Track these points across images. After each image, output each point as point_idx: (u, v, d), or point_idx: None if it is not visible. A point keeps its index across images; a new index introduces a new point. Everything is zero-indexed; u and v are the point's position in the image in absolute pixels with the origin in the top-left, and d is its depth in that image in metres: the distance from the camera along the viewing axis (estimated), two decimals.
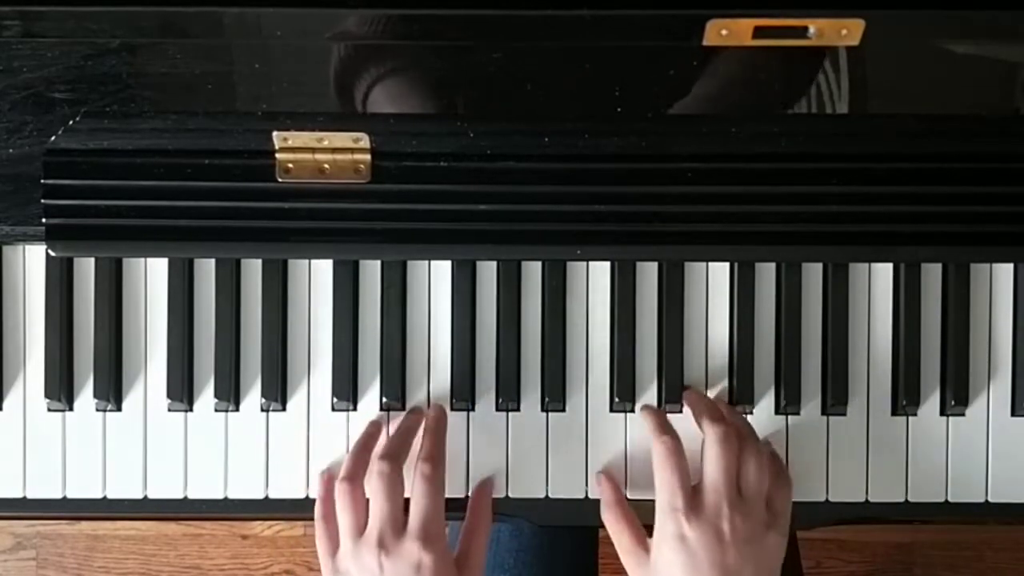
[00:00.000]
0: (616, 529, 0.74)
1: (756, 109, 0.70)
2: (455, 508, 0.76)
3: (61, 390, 0.77)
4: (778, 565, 0.72)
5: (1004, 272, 0.77)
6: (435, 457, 0.74)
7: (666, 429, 0.73)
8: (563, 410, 0.78)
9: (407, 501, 0.72)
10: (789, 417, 0.77)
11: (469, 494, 0.77)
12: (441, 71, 0.67)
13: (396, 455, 0.73)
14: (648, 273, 0.77)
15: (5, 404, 0.78)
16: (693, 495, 0.70)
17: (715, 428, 0.71)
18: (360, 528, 0.71)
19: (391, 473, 0.71)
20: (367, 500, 0.73)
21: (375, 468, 0.71)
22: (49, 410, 0.78)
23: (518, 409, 0.78)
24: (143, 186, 0.71)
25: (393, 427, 0.77)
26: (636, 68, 0.67)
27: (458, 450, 0.77)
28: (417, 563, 0.69)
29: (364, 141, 0.71)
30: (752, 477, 0.71)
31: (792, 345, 0.77)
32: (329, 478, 0.75)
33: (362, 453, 0.75)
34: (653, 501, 0.73)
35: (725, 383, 0.77)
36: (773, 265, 0.77)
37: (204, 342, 0.78)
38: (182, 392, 0.77)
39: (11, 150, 0.71)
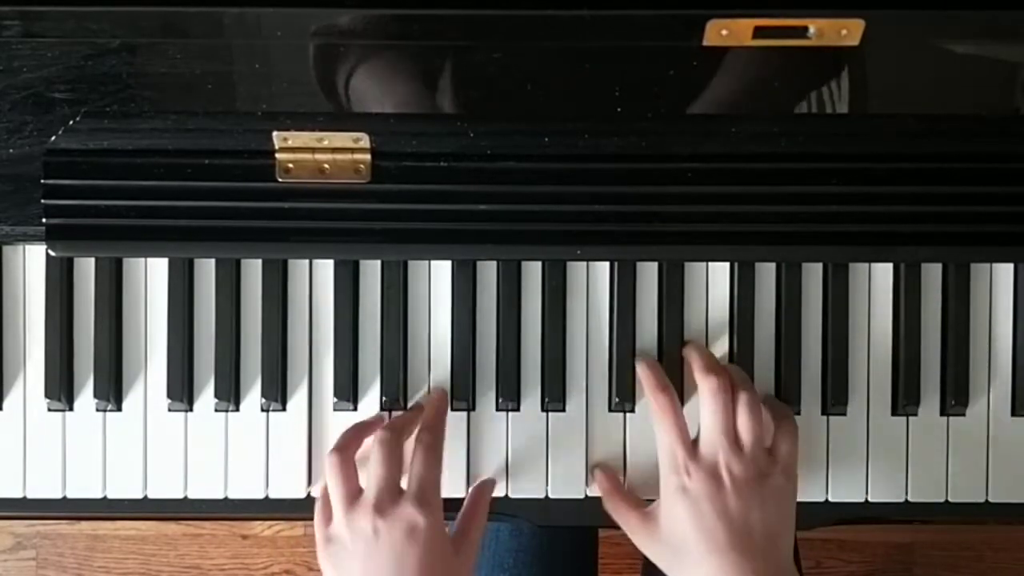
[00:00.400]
0: (619, 514, 0.75)
1: (756, 109, 0.70)
2: (455, 508, 0.76)
3: (61, 390, 0.77)
4: (789, 510, 0.72)
5: (1004, 272, 0.77)
6: (436, 428, 0.74)
7: (662, 386, 0.74)
8: (563, 410, 0.78)
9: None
10: None
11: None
12: (441, 71, 0.67)
13: (399, 429, 0.73)
14: (648, 273, 0.78)
15: (5, 404, 0.78)
16: (692, 448, 0.71)
17: (708, 379, 0.72)
18: (352, 496, 0.70)
19: (391, 440, 0.71)
20: (356, 471, 0.72)
21: (377, 436, 0.71)
22: (49, 410, 0.78)
23: (518, 409, 0.78)
24: (143, 186, 0.71)
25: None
26: (636, 68, 0.67)
27: (458, 450, 0.77)
28: (412, 525, 0.68)
29: (364, 141, 0.71)
30: (746, 424, 0.71)
31: (792, 345, 0.77)
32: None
33: (359, 430, 0.75)
34: (655, 500, 0.73)
35: None
36: (773, 265, 0.77)
37: (204, 342, 0.78)
38: (182, 392, 0.77)
39: (11, 150, 0.71)
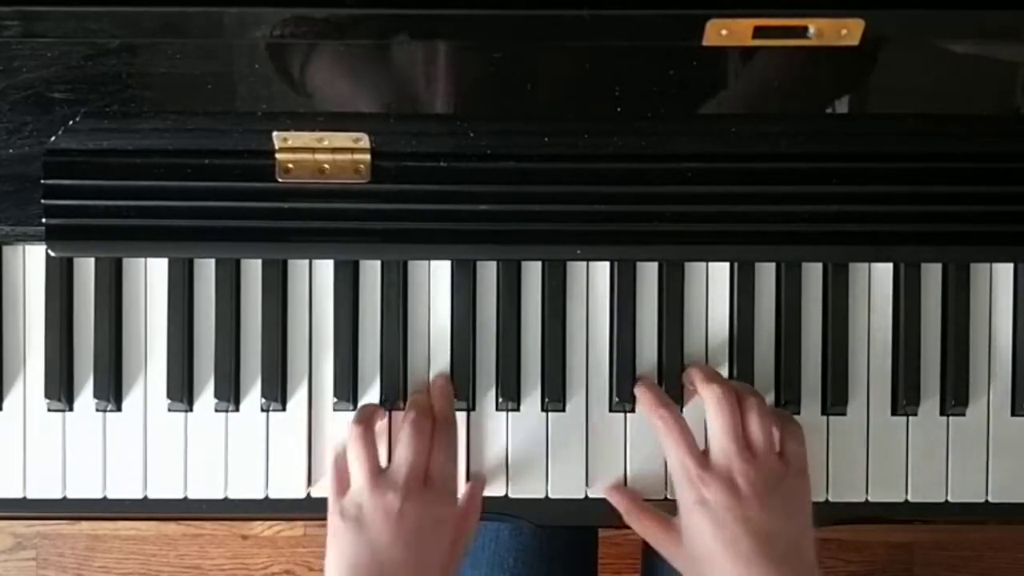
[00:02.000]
0: (642, 530, 0.74)
1: (756, 109, 0.70)
2: None
3: (61, 390, 0.77)
4: (807, 508, 0.71)
5: (1004, 272, 0.77)
6: (452, 418, 0.75)
7: (661, 402, 0.73)
8: (563, 410, 0.78)
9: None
10: None
11: None
12: (441, 70, 0.67)
13: (426, 409, 0.74)
14: (648, 273, 0.77)
15: (5, 404, 0.78)
16: (703, 459, 0.70)
17: (711, 388, 0.71)
18: (376, 469, 0.71)
19: (425, 426, 0.72)
20: (375, 445, 0.73)
21: (409, 417, 0.72)
22: (49, 410, 0.78)
23: (518, 409, 0.78)
24: (143, 186, 0.71)
25: (395, 425, 0.77)
26: (636, 68, 0.67)
27: (458, 450, 0.77)
28: (441, 518, 0.71)
29: (364, 141, 0.71)
30: (756, 428, 0.70)
31: (792, 345, 0.77)
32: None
33: (374, 408, 0.76)
34: (655, 500, 0.73)
35: None
36: (773, 265, 0.77)
37: (204, 342, 0.78)
38: (182, 392, 0.77)
39: (11, 150, 0.71)
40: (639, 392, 0.76)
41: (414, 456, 0.71)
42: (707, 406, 0.71)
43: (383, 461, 0.73)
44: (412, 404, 0.75)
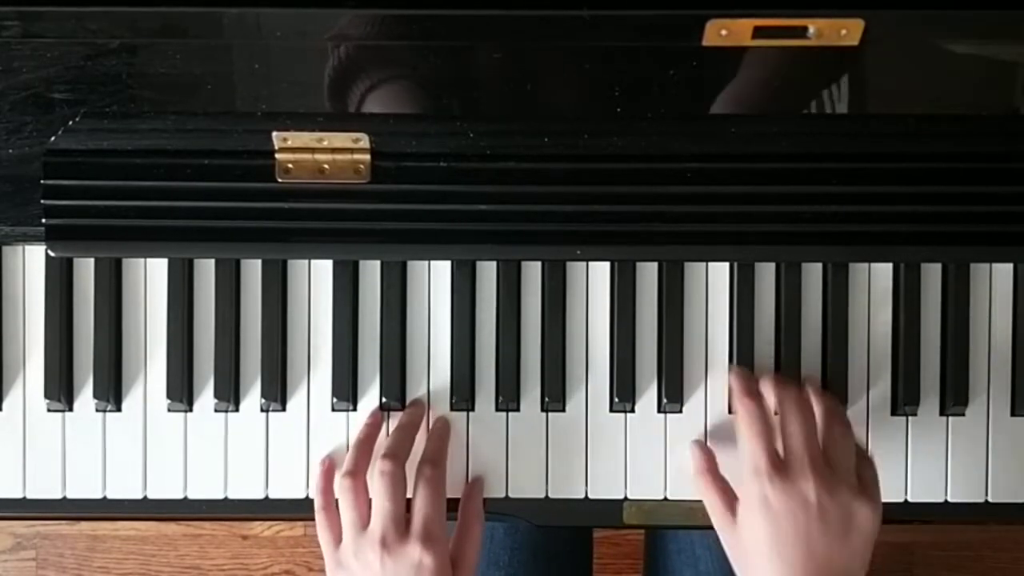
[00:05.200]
0: (706, 496, 0.73)
1: (756, 109, 0.70)
2: (455, 508, 0.76)
3: (61, 390, 0.77)
4: (870, 539, 0.68)
5: (1004, 272, 0.77)
6: (438, 460, 0.74)
7: (750, 392, 0.72)
8: (563, 410, 0.77)
9: (409, 499, 0.72)
10: None
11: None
12: (441, 71, 0.67)
13: (398, 453, 0.73)
14: (648, 273, 0.77)
15: (5, 404, 0.78)
16: (777, 459, 0.69)
17: (794, 392, 0.70)
18: (363, 522, 0.72)
19: (394, 472, 0.72)
20: (367, 494, 0.73)
21: (378, 467, 0.72)
22: (49, 410, 0.78)
23: (518, 409, 0.78)
24: (143, 186, 0.71)
25: (394, 422, 0.77)
26: (636, 68, 0.67)
27: (458, 450, 0.77)
28: (418, 564, 0.70)
29: (364, 141, 0.71)
30: (838, 443, 0.69)
31: (791, 345, 0.77)
32: (328, 468, 0.76)
33: (364, 447, 0.75)
34: (655, 500, 0.73)
35: (725, 383, 0.77)
36: (773, 265, 0.77)
37: (204, 342, 0.78)
38: (182, 392, 0.77)
39: (11, 150, 0.71)
40: (732, 377, 0.75)
41: (389, 506, 0.71)
42: (784, 409, 0.71)
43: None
44: (387, 451, 0.73)
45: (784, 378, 0.75)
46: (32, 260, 0.78)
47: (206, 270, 0.78)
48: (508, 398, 0.77)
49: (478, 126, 0.70)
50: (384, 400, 0.77)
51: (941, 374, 0.77)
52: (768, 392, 0.74)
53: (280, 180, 0.71)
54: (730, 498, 0.72)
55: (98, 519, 1.42)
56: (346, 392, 0.77)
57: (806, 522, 0.66)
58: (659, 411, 0.77)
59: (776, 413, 0.73)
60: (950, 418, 0.77)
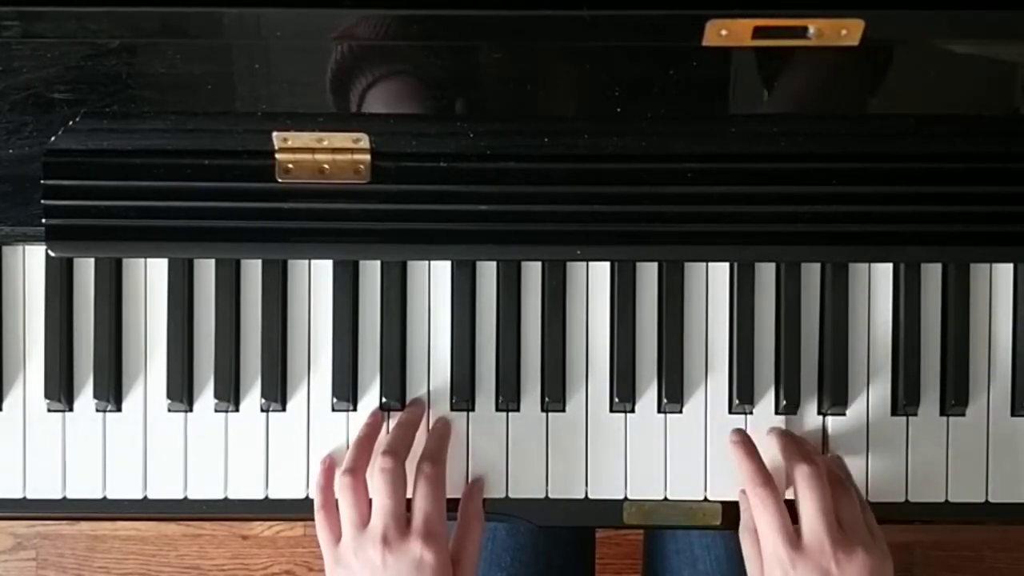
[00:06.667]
0: (748, 555, 0.74)
1: (756, 109, 0.70)
2: (455, 508, 0.76)
3: (61, 390, 0.77)
4: None
5: (1004, 272, 0.77)
6: (438, 458, 0.74)
7: (762, 480, 0.72)
8: (563, 410, 0.77)
9: (409, 499, 0.72)
10: (789, 417, 0.77)
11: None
12: (441, 71, 0.67)
13: (398, 450, 0.73)
14: (648, 273, 0.77)
15: (5, 404, 0.78)
16: (796, 540, 0.70)
17: (805, 467, 0.70)
18: (363, 520, 0.72)
19: (394, 469, 0.72)
20: (367, 492, 0.73)
21: (378, 464, 0.72)
22: (49, 410, 0.78)
23: (518, 409, 0.78)
24: (143, 186, 0.71)
25: (394, 422, 0.77)
26: (636, 68, 0.67)
27: (458, 450, 0.77)
28: (419, 560, 0.70)
29: (364, 141, 0.71)
30: (846, 506, 0.71)
31: (792, 345, 0.77)
32: (328, 467, 0.76)
33: (364, 445, 0.75)
34: (655, 500, 0.73)
35: (725, 383, 0.77)
36: (773, 265, 0.77)
37: (204, 342, 0.78)
38: (182, 392, 0.77)
39: (11, 150, 0.71)
40: (741, 461, 0.74)
41: (390, 503, 0.71)
42: (798, 483, 0.71)
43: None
44: (387, 448, 0.73)
45: (790, 441, 0.74)
46: (32, 260, 0.78)
47: (206, 270, 0.78)
48: (508, 398, 0.77)
49: (478, 126, 0.70)
50: (384, 400, 0.77)
51: (941, 374, 0.77)
52: (774, 446, 0.75)
53: (280, 180, 0.71)
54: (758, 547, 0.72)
55: (98, 519, 1.41)
56: (346, 392, 0.77)
57: None
58: (659, 411, 0.78)
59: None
60: (950, 418, 0.77)
